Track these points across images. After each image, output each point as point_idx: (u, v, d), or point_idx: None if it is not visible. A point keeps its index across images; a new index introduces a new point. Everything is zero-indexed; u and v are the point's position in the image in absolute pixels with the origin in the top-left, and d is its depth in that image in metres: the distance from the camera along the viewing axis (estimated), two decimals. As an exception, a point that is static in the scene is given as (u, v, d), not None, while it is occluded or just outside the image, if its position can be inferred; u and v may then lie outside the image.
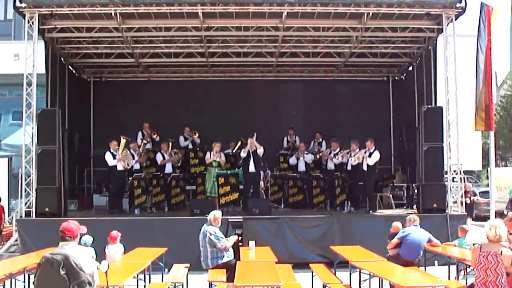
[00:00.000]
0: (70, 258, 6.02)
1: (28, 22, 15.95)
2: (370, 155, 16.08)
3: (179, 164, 18.69)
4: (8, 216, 18.89)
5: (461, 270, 11.63)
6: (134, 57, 19.93)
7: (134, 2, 15.72)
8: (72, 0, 15.67)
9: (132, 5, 15.78)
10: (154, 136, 19.29)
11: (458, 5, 15.73)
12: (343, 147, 17.45)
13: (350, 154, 16.80)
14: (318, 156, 18.63)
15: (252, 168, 16.92)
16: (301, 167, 18.69)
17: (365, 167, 16.22)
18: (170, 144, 18.55)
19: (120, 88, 22.24)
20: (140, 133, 19.45)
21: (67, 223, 6.50)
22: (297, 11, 16.18)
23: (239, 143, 18.58)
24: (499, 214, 17.78)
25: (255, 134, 16.91)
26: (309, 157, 18.68)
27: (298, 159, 18.77)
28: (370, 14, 16.30)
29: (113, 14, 16.13)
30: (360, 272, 10.74)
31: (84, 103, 21.62)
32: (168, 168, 18.08)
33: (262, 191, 18.65)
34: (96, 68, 21.70)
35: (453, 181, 16.22)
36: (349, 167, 17.01)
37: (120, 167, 16.78)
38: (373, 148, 16.17)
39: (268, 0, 15.65)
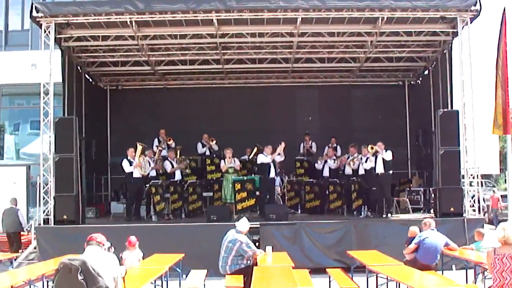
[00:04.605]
0: (88, 263, 6.07)
1: (45, 31, 16.09)
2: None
3: (187, 171, 18.76)
4: (27, 224, 19.03)
5: (478, 273, 11.51)
6: (150, 64, 20.03)
7: (149, 10, 15.83)
8: (87, 9, 15.82)
9: (147, 13, 15.89)
10: (170, 142, 19.25)
11: (473, 8, 15.63)
12: (359, 152, 17.40)
13: (362, 158, 16.88)
14: (337, 161, 18.60)
15: (272, 173, 16.94)
16: (326, 173, 18.71)
17: (378, 170, 16.23)
18: (178, 151, 18.65)
19: (136, 95, 22.43)
20: (156, 140, 19.43)
21: (99, 234, 6.90)
22: (312, 16, 16.18)
23: (255, 149, 18.54)
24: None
25: (282, 143, 16.89)
26: (332, 163, 18.65)
27: (323, 164, 18.78)
28: (385, 19, 16.25)
29: (128, 22, 16.22)
30: (377, 277, 10.74)
31: (101, 111, 21.78)
32: (178, 175, 18.07)
33: (279, 196, 18.64)
34: (113, 76, 21.85)
35: (470, 185, 16.12)
36: (361, 171, 17.01)
37: (136, 174, 16.78)
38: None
39: (282, 6, 15.69)
